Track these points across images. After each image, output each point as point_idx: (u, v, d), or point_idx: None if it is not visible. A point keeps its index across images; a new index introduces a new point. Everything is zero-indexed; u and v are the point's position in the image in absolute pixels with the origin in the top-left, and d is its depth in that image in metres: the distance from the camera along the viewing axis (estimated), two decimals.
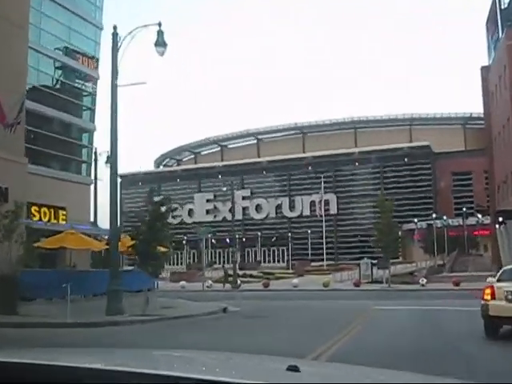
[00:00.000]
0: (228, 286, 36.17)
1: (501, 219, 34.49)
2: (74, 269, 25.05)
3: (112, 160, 19.10)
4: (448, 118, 79.14)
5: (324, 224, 66.95)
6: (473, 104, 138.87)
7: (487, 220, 55.68)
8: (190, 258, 76.16)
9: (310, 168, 72.18)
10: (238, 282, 36.60)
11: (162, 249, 20.05)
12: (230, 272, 38.72)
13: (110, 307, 16.65)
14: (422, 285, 33.92)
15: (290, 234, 70.06)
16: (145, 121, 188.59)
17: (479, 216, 58.22)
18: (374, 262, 39.75)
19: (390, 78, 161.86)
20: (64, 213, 31.02)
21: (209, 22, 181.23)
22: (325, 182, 70.97)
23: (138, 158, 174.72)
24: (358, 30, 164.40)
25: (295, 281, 36.69)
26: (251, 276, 43.38)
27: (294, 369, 1.51)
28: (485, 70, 47.62)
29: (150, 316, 16.67)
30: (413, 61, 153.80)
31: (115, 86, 18.06)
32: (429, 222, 55.92)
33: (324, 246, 62.31)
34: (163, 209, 20.04)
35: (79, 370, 1.52)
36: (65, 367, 1.56)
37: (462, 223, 57.92)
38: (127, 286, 18.35)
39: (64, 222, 29.85)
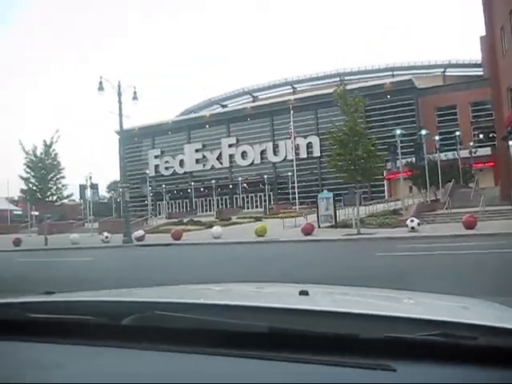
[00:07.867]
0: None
1: None
2: None
3: None
4: (428, 65, 77.61)
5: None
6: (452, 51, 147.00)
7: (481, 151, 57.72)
8: (183, 207, 78.56)
9: (292, 112, 68.38)
10: (140, 232, 30.12)
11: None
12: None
13: None
14: (413, 228, 22.50)
15: (265, 177, 70.46)
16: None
17: (471, 144, 57.90)
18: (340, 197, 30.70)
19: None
20: None
21: None
22: (308, 125, 70.39)
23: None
24: None
25: (218, 230, 27.73)
26: (197, 223, 38.13)
27: (305, 293, 1.58)
28: None
29: None
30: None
31: None
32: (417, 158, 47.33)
33: (296, 190, 59.67)
34: None
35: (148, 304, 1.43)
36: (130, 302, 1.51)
37: (454, 156, 53.41)
38: None
39: None
